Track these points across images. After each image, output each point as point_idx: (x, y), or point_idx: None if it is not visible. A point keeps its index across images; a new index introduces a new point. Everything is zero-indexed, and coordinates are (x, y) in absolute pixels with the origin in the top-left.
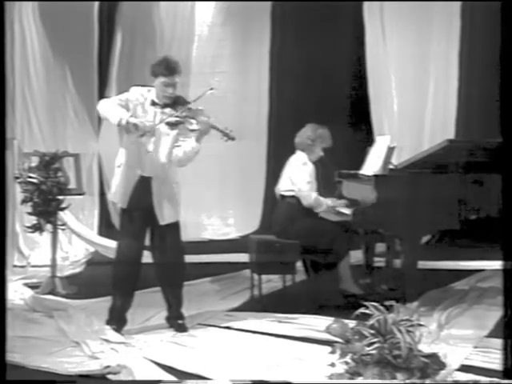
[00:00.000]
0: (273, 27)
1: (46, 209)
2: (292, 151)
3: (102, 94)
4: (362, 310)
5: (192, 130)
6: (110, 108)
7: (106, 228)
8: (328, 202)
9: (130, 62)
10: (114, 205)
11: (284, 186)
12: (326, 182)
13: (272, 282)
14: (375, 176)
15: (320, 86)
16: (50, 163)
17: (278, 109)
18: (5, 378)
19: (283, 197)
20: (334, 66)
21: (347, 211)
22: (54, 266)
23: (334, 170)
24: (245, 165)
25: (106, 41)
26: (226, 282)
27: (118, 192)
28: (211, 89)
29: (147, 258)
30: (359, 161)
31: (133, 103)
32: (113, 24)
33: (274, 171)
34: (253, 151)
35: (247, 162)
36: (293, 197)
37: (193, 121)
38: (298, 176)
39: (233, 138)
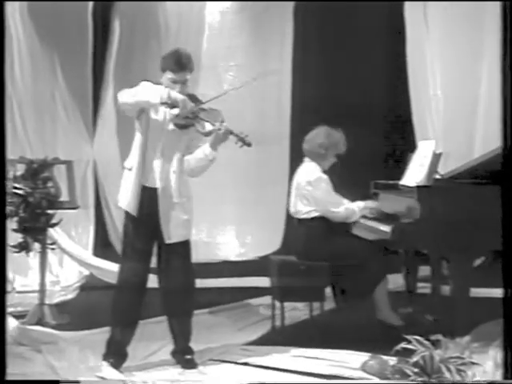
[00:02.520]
0: (295, 16)
1: (34, 225)
2: None
3: (96, 92)
4: (403, 344)
5: (206, 134)
6: (140, 89)
7: (102, 247)
8: (360, 204)
9: (130, 55)
10: (112, 221)
11: (300, 209)
12: (350, 190)
13: (297, 311)
14: (418, 187)
15: (350, 85)
16: (38, 172)
17: (302, 109)
18: (5, 378)
19: (302, 221)
20: (365, 65)
21: (385, 228)
22: (42, 291)
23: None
24: (264, 174)
25: (102, 32)
26: (243, 311)
27: (128, 198)
28: (240, 86)
29: (152, 282)
30: (398, 169)
31: (144, 103)
32: (109, 13)
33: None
34: (273, 159)
35: (267, 171)
36: (314, 218)
37: (206, 123)
38: (316, 194)
39: (249, 144)
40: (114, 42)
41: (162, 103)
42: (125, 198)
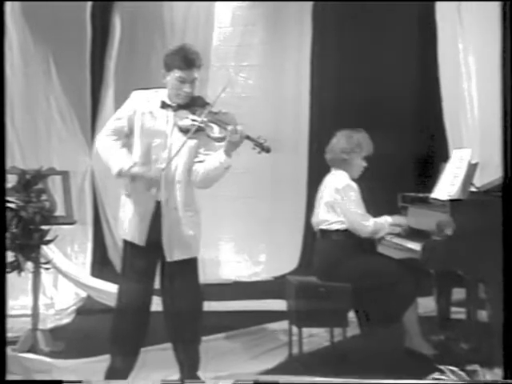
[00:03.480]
0: (314, 12)
1: (27, 242)
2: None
3: (95, 95)
4: (435, 375)
5: (218, 140)
6: (108, 150)
7: (101, 266)
8: (388, 219)
9: (132, 55)
10: (112, 237)
11: (324, 219)
12: (374, 203)
13: (316, 338)
14: (451, 201)
15: (374, 87)
16: (31, 183)
17: (322, 113)
18: (5, 377)
19: (325, 232)
20: (391, 65)
21: (414, 246)
22: (35, 315)
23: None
24: (279, 185)
25: (101, 30)
26: (257, 337)
27: (131, 227)
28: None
29: (156, 305)
30: (429, 181)
31: (139, 113)
32: (109, 10)
33: (316, 193)
34: (290, 167)
35: (283, 181)
36: (339, 230)
37: (215, 127)
38: (343, 204)
39: (268, 150)
40: (114, 41)
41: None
42: (128, 227)
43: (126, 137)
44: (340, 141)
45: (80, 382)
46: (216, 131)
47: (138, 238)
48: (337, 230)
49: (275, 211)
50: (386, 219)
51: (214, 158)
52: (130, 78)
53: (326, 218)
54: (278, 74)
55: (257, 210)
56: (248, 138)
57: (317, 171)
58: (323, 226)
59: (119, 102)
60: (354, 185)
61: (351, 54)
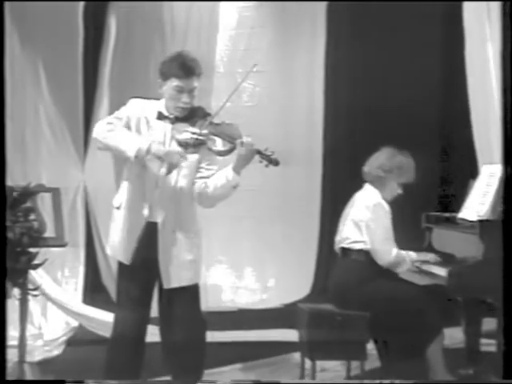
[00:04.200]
0: (329, 12)
1: (13, 266)
2: (358, 185)
3: (89, 103)
4: None
5: (221, 154)
6: (117, 133)
7: (94, 293)
8: (413, 256)
9: (129, 60)
10: (106, 260)
11: (347, 236)
12: (405, 229)
13: (330, 372)
14: (481, 221)
15: (395, 94)
16: (18, 201)
17: (338, 123)
18: (5, 377)
19: (346, 251)
20: (414, 71)
21: (440, 271)
22: (22, 346)
23: (418, 211)
24: (291, 202)
25: (95, 32)
26: (266, 371)
27: (118, 243)
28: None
29: (153, 335)
30: (456, 199)
31: (135, 121)
32: (104, 11)
33: (331, 211)
34: (302, 183)
35: (294, 199)
36: (361, 251)
37: (218, 140)
38: (371, 223)
39: (276, 163)
40: (109, 45)
41: (136, 158)
42: (114, 244)
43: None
44: (381, 156)
45: (82, 381)
46: (219, 144)
47: (124, 256)
48: (359, 250)
49: (285, 232)
50: (410, 255)
51: (220, 175)
52: (126, 85)
53: (350, 235)
54: (288, 80)
55: (265, 230)
56: (258, 152)
57: (332, 187)
58: (345, 244)
59: (115, 111)
60: (386, 205)
61: (369, 57)
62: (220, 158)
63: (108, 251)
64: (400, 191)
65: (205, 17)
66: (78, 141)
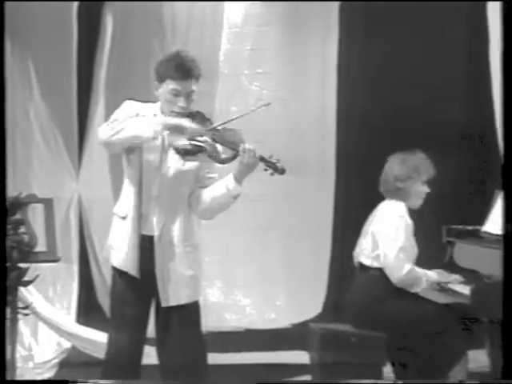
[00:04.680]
0: (342, 10)
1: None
2: (376, 195)
3: (83, 108)
4: None
5: (222, 161)
6: (125, 124)
7: (88, 312)
8: (433, 275)
9: (126, 61)
10: (102, 277)
11: (365, 249)
12: (424, 243)
13: None
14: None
15: (414, 98)
16: (7, 213)
17: (352, 128)
18: (5, 377)
19: (364, 266)
20: (433, 73)
21: (463, 289)
22: (11, 369)
23: (439, 222)
24: (301, 213)
25: (90, 33)
26: None
27: (127, 256)
28: (266, 104)
29: (150, 356)
30: (480, 211)
31: None
32: (99, 10)
33: (345, 224)
34: (313, 193)
35: (304, 210)
36: (377, 268)
37: (219, 147)
38: (387, 237)
39: (282, 171)
40: (105, 45)
41: (154, 138)
42: (119, 255)
43: None
44: (393, 167)
45: (86, 382)
46: (220, 151)
47: (131, 266)
48: (375, 267)
49: (295, 245)
50: (429, 275)
51: (220, 184)
52: (123, 89)
53: (369, 249)
54: (298, 82)
55: (273, 243)
56: (262, 159)
57: (346, 197)
58: (363, 259)
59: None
60: (409, 221)
61: (386, 59)
62: (221, 166)
63: (116, 264)
64: (427, 189)
65: (208, 14)
66: (72, 148)
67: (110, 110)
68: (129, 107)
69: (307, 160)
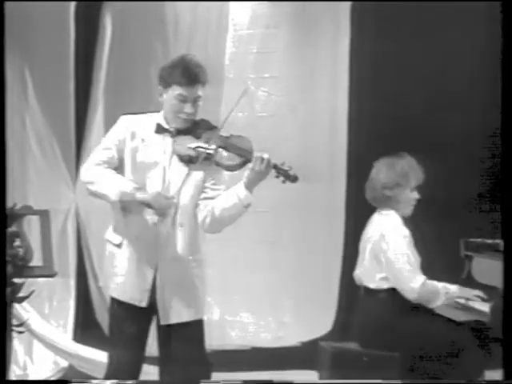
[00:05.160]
0: (353, 12)
1: None
2: None
3: (81, 115)
4: None
5: (230, 168)
6: (102, 178)
7: (86, 329)
8: (452, 289)
9: (126, 63)
10: (100, 293)
11: (368, 272)
12: (441, 257)
13: None
14: None
15: (429, 102)
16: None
17: (364, 135)
18: (5, 378)
19: (370, 290)
20: (450, 77)
21: (482, 306)
22: None
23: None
24: (310, 225)
25: (88, 32)
26: None
27: (128, 287)
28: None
29: (150, 374)
30: (500, 223)
31: (128, 142)
32: (98, 12)
33: (356, 237)
34: (323, 204)
35: (314, 221)
36: (387, 291)
37: (226, 154)
38: (390, 254)
39: (294, 179)
40: (104, 48)
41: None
42: (118, 286)
43: (117, 168)
44: (380, 174)
45: (86, 381)
46: (228, 158)
47: (139, 298)
48: (386, 290)
49: (304, 259)
50: (448, 288)
51: (230, 194)
52: (123, 94)
53: (371, 271)
54: (307, 86)
55: (280, 257)
56: (275, 166)
57: (356, 208)
58: (368, 284)
59: (110, 123)
60: (405, 230)
61: (401, 61)
62: (228, 173)
63: (116, 295)
64: (417, 196)
65: (213, 16)
66: (69, 156)
67: (109, 115)
68: (125, 125)
69: (316, 168)
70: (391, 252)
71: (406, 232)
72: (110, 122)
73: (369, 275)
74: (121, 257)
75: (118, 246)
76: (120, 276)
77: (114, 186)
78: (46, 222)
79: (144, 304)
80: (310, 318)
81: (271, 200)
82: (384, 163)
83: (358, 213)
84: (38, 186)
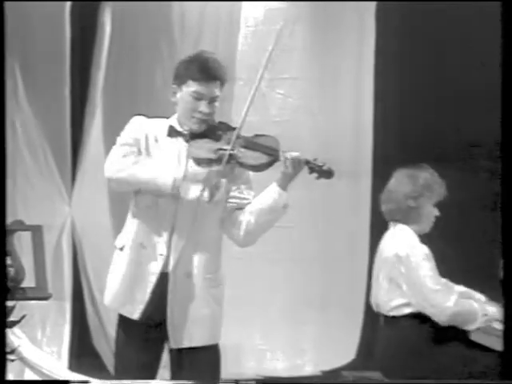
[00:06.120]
0: (379, 9)
1: None
2: None
3: (77, 119)
4: None
5: (257, 168)
6: (141, 166)
7: (82, 357)
8: (489, 310)
9: (127, 66)
10: (98, 318)
11: (385, 298)
12: (476, 279)
13: None
14: None
15: (460, 107)
16: None
17: (391, 143)
18: (4, 377)
19: (391, 319)
20: (474, 76)
21: None
22: None
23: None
24: (332, 242)
25: (86, 30)
26: None
27: (122, 294)
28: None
29: None
30: None
31: (144, 144)
32: (96, 9)
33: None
34: (347, 218)
35: (336, 238)
36: (407, 317)
37: (252, 153)
38: (411, 276)
39: (329, 173)
40: (102, 47)
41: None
42: (115, 294)
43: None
44: (402, 183)
45: (87, 382)
46: (254, 157)
47: (131, 310)
48: (407, 316)
49: (325, 279)
50: (485, 309)
51: (263, 197)
52: (124, 95)
53: (389, 297)
54: (328, 89)
55: (299, 277)
56: (307, 162)
57: (382, 224)
58: (387, 312)
59: (109, 128)
60: (425, 248)
61: (430, 61)
62: (252, 173)
63: (106, 302)
64: (437, 213)
65: (224, 11)
66: (65, 166)
67: (108, 120)
68: (138, 125)
69: (339, 179)
70: (414, 275)
71: (426, 250)
72: (109, 127)
73: (387, 302)
74: (120, 261)
75: (121, 249)
76: (117, 283)
77: (162, 172)
78: (38, 238)
79: (136, 317)
80: (332, 344)
81: (291, 214)
82: (405, 174)
83: (384, 229)
84: (30, 199)
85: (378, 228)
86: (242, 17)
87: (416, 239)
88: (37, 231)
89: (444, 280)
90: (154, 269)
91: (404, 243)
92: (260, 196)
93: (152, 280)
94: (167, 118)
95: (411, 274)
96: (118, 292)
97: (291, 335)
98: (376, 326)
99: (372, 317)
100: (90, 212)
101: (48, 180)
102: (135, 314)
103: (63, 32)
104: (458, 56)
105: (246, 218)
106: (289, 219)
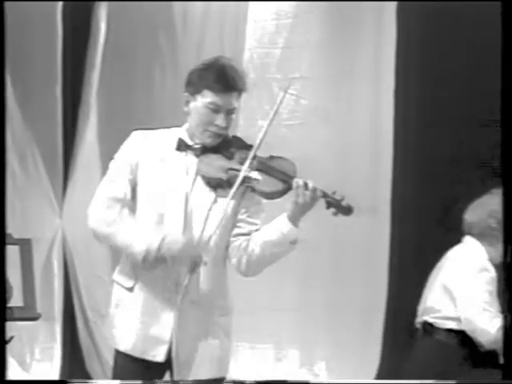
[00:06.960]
0: (399, 10)
1: None
2: (442, 239)
3: (70, 123)
4: None
5: (270, 196)
6: (119, 227)
7: (73, 382)
8: None
9: (124, 66)
10: (91, 339)
11: (433, 306)
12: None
13: None
14: None
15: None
16: None
17: (412, 152)
18: (4, 377)
19: (430, 327)
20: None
21: None
22: None
23: None
24: (349, 260)
25: (78, 29)
26: None
27: (141, 337)
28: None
29: None
30: None
31: (142, 167)
32: (90, 8)
33: (402, 272)
34: (364, 233)
35: (353, 255)
36: (451, 331)
37: (264, 179)
38: (467, 291)
39: (348, 210)
40: (97, 46)
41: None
42: (127, 339)
43: (130, 202)
44: (491, 200)
45: (86, 382)
46: (268, 184)
47: (154, 353)
48: (448, 330)
49: (341, 298)
50: None
51: (271, 229)
52: (120, 97)
53: (437, 305)
54: (345, 89)
55: (313, 297)
56: (325, 195)
57: (403, 242)
58: (430, 318)
59: (104, 132)
60: (493, 271)
61: (449, 61)
62: (264, 200)
63: (124, 348)
64: None
65: (230, 4)
66: (56, 173)
67: (104, 124)
68: (136, 147)
69: (356, 193)
70: (470, 291)
71: (493, 273)
72: (104, 131)
73: (433, 309)
74: (132, 303)
75: (130, 289)
76: (130, 326)
77: (137, 239)
78: (27, 253)
79: (160, 359)
80: (348, 367)
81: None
82: (493, 193)
83: (405, 248)
84: (18, 210)
85: (397, 245)
86: (250, 10)
87: (487, 259)
88: (25, 245)
89: (497, 303)
90: (170, 303)
91: (475, 258)
92: (268, 226)
93: (170, 315)
94: (169, 127)
95: (467, 290)
96: (136, 337)
97: (305, 358)
98: (398, 344)
99: (391, 337)
100: (82, 224)
101: (37, 189)
102: (158, 357)
103: (55, 31)
104: (485, 56)
105: (251, 247)
106: (307, 240)
